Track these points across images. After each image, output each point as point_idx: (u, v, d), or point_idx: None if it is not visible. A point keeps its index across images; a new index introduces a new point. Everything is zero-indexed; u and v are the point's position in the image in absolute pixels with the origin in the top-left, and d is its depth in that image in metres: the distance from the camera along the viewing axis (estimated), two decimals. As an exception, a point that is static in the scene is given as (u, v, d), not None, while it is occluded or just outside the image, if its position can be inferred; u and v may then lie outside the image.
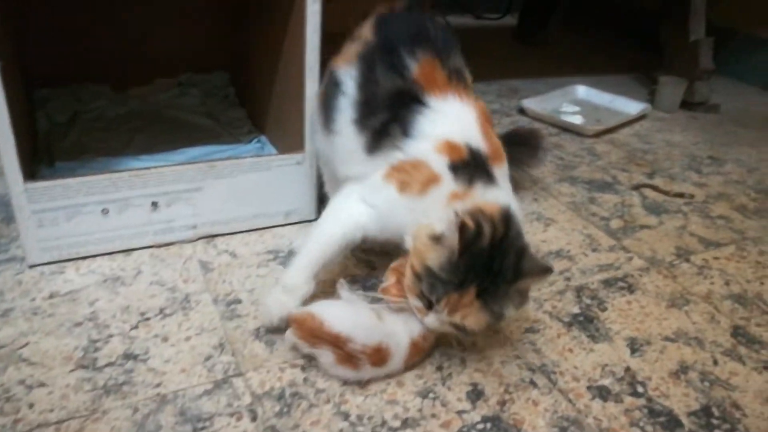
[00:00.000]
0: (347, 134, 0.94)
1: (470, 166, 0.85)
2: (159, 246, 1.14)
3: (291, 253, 1.13)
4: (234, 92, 1.65)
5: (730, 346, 1.03)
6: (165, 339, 0.93)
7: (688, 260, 1.27)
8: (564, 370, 0.95)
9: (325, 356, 0.84)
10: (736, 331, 1.06)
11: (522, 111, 1.97)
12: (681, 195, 1.53)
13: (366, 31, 0.97)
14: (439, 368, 0.93)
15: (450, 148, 0.86)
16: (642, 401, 0.90)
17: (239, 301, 1.02)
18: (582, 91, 2.14)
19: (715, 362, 0.99)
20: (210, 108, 1.58)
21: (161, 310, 0.99)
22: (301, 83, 1.11)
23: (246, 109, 1.57)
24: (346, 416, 0.82)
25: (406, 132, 0.88)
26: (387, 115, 0.89)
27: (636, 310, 1.10)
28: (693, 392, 0.92)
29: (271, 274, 1.09)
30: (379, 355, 0.84)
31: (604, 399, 0.90)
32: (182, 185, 1.11)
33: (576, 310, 1.08)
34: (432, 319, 0.83)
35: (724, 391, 0.93)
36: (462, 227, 0.75)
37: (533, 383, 0.91)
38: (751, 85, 2.44)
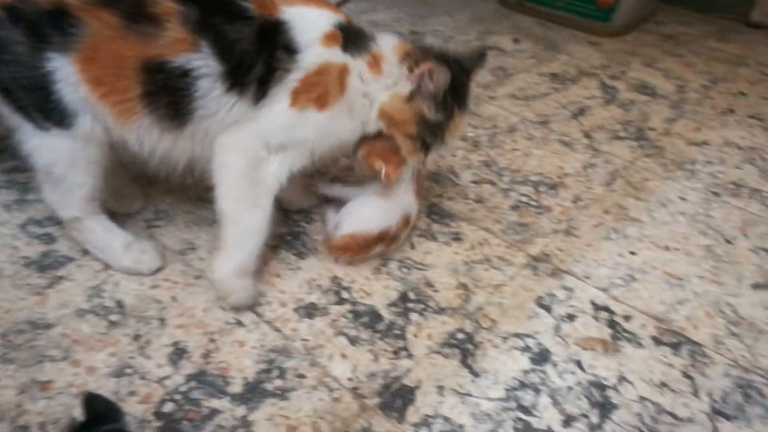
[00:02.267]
0: (218, 107, 0.84)
1: (354, 38, 0.90)
2: None
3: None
4: None
5: (425, 227, 1.10)
6: None
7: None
8: (272, 298, 0.93)
9: (378, 250, 0.97)
10: (432, 210, 1.14)
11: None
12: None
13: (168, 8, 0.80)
14: (136, 337, 0.85)
15: (330, 37, 0.87)
16: (347, 307, 0.93)
17: None
18: None
19: (412, 246, 1.05)
20: None
21: None
22: None
23: None
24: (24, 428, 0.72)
25: (291, 50, 0.85)
26: (263, 56, 0.84)
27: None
28: (393, 282, 0.98)
29: None
30: (407, 221, 0.99)
31: (311, 317, 0.91)
32: None
33: (283, 229, 1.07)
34: (433, 156, 0.96)
35: (419, 272, 1.00)
36: (432, 70, 0.86)
37: (239, 323, 0.89)
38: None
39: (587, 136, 1.39)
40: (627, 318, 0.94)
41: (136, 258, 0.95)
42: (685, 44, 1.85)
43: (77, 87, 0.81)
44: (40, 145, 0.85)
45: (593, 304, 0.96)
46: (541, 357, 0.87)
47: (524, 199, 1.18)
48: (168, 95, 0.83)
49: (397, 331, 0.89)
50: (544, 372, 0.85)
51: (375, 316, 0.91)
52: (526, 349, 0.88)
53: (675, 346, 0.90)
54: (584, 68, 1.68)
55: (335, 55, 0.87)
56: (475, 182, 1.22)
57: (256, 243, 0.90)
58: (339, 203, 1.03)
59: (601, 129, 1.42)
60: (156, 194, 1.11)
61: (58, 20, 0.77)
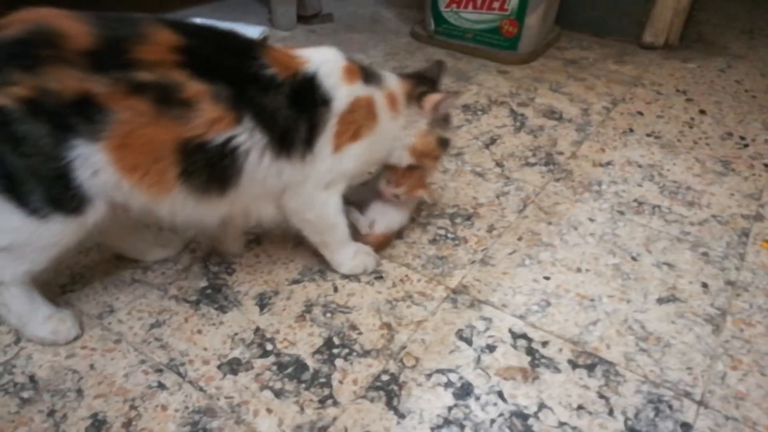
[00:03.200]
0: (266, 174, 0.90)
1: (367, 72, 0.98)
2: None
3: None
4: None
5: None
6: None
7: (310, 189, 1.32)
8: (194, 356, 0.92)
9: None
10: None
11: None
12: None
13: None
14: (51, 413, 0.82)
15: (349, 71, 0.94)
16: (271, 359, 0.92)
17: None
18: (198, 22, 2.02)
19: (336, 289, 1.06)
20: None
21: None
22: None
23: None
24: None
25: (325, 102, 0.91)
26: (303, 116, 0.89)
27: (264, 262, 1.12)
28: (317, 329, 0.98)
29: None
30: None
31: (235, 372, 0.90)
32: None
33: (204, 283, 1.06)
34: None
35: (343, 315, 1.01)
36: (441, 100, 1.02)
37: (161, 386, 0.87)
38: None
39: (499, 164, 1.45)
40: (544, 344, 0.98)
41: (53, 329, 0.92)
42: (587, 68, 1.97)
43: (100, 174, 0.80)
44: (20, 227, 0.80)
45: (511, 332, 1.00)
46: (464, 391, 0.89)
47: (442, 232, 1.22)
48: (210, 171, 0.85)
49: (323, 379, 0.90)
50: (467, 406, 0.87)
51: (300, 365, 0.92)
52: (449, 384, 0.90)
53: (590, 368, 0.94)
54: (494, 97, 1.75)
55: (360, 89, 0.95)
56: (395, 219, 1.25)
57: (347, 235, 1.06)
58: (358, 205, 1.14)
59: (512, 156, 1.48)
60: (71, 258, 1.08)
61: (83, 110, 0.76)
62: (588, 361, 0.95)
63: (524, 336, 0.99)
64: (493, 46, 1.96)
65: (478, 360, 0.94)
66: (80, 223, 0.83)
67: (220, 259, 1.11)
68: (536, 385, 0.91)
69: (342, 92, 0.92)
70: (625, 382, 0.92)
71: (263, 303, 1.02)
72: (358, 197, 1.14)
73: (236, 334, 0.96)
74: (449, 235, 1.21)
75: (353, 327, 0.99)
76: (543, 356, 0.96)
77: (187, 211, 0.88)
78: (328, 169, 0.94)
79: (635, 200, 1.34)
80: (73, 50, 0.74)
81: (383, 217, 1.13)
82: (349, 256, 1.08)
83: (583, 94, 1.80)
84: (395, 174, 1.09)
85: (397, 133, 1.03)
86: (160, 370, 0.89)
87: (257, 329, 0.97)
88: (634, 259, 1.18)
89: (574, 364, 0.95)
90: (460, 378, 0.91)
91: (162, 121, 0.79)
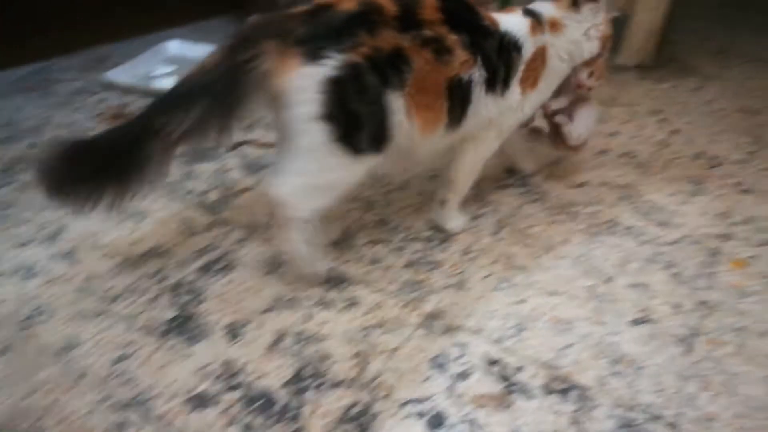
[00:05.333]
0: (482, 104, 1.11)
1: (537, 19, 1.18)
2: None
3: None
4: None
5: (321, 294, 1.10)
6: None
7: (284, 214, 1.31)
8: (161, 391, 0.90)
9: None
10: (328, 275, 1.14)
11: (110, 85, 1.78)
12: (277, 144, 1.57)
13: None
14: (10, 455, 0.80)
15: (533, 27, 1.16)
16: (239, 393, 0.91)
17: None
18: (174, 46, 2.02)
19: (309, 317, 1.05)
20: None
21: None
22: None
23: None
24: None
25: (518, 50, 1.13)
26: (504, 59, 1.11)
27: (235, 290, 1.10)
28: (287, 360, 0.96)
29: None
30: None
31: (203, 407, 0.88)
32: None
33: (172, 314, 1.04)
34: None
35: (315, 345, 0.99)
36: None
37: (126, 423, 0.85)
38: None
39: (475, 186, 1.45)
40: (518, 369, 0.97)
41: (321, 267, 1.12)
42: (562, 89, 1.99)
43: (399, 116, 0.99)
44: (344, 166, 0.99)
45: (485, 358, 0.99)
46: (437, 421, 0.88)
47: (417, 255, 1.21)
48: (458, 104, 1.06)
49: (293, 413, 0.88)
50: (440, 436, 0.86)
51: (269, 399, 0.90)
52: (422, 414, 0.89)
53: (563, 393, 0.94)
54: (471, 119, 1.76)
55: (539, 40, 1.16)
56: (370, 242, 1.24)
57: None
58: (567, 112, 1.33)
59: (489, 178, 1.48)
60: (34, 288, 1.06)
61: (396, 62, 0.96)
62: (562, 386, 0.95)
63: (498, 362, 0.98)
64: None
65: (452, 388, 0.93)
66: (377, 161, 1.02)
67: (189, 288, 1.09)
68: (510, 412, 0.90)
69: (527, 44, 1.14)
70: (598, 406, 0.91)
71: (234, 333, 1.01)
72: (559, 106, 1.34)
73: (205, 366, 0.94)
74: (424, 259, 1.20)
75: (325, 357, 0.97)
76: (517, 382, 0.95)
77: (438, 143, 1.11)
78: (514, 109, 1.17)
79: (610, 221, 1.35)
80: (389, 16, 0.96)
81: (585, 123, 1.35)
82: (458, 214, 1.28)
83: (558, 114, 1.81)
84: (590, 65, 1.27)
85: (578, 38, 1.22)
86: (125, 407, 0.87)
87: (226, 361, 0.95)
88: (608, 280, 1.17)
89: (548, 390, 0.94)
90: (434, 407, 0.90)
91: (438, 66, 1.00)
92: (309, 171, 0.98)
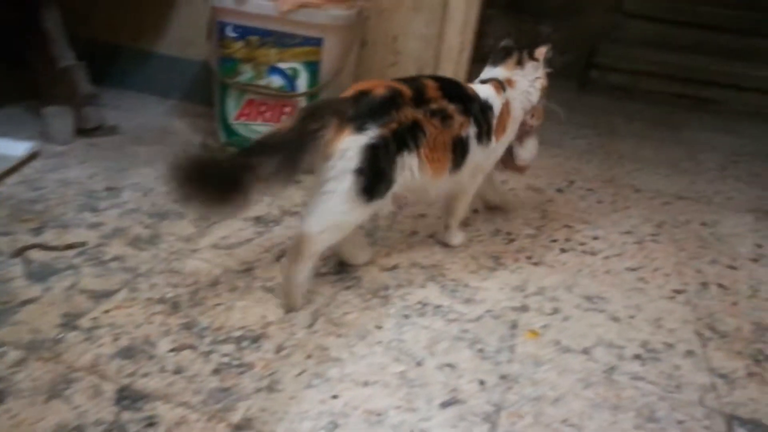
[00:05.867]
0: (475, 152, 1.45)
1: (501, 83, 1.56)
2: None
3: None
4: None
5: (113, 418, 0.99)
6: None
7: (75, 327, 1.18)
8: None
9: None
10: (122, 395, 1.03)
11: None
12: (72, 246, 1.43)
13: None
14: None
15: (497, 88, 1.52)
16: None
17: None
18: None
19: (97, 447, 0.93)
20: None
21: None
22: None
23: None
24: None
25: (491, 109, 1.49)
26: (484, 118, 1.46)
27: (7, 424, 0.95)
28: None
29: None
30: None
31: None
32: None
33: None
34: None
35: (103, 480, 0.88)
36: (547, 47, 1.63)
37: None
38: (151, 95, 2.53)
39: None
40: (330, 472, 0.94)
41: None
42: (375, 174, 2.09)
43: (412, 169, 1.31)
44: (358, 212, 1.28)
45: (296, 466, 0.95)
46: None
47: (226, 359, 1.15)
48: (460, 154, 1.41)
49: None
50: None
51: None
52: None
53: (376, 491, 0.92)
54: (287, 207, 1.77)
55: (503, 97, 1.52)
56: (173, 350, 1.16)
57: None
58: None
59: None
60: None
61: (413, 130, 1.28)
62: (374, 485, 0.93)
63: (309, 468, 0.94)
64: (285, 156, 2.02)
65: (259, 506, 0.87)
66: (381, 205, 1.32)
67: (-54, 430, 0.92)
68: None
69: (496, 103, 1.49)
70: (410, 502, 0.91)
71: (-1, 480, 0.86)
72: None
73: None
74: (234, 362, 1.15)
75: (114, 492, 0.86)
76: (328, 488, 0.91)
77: (443, 186, 1.45)
78: (490, 155, 1.54)
79: (419, 302, 1.40)
80: (407, 97, 1.28)
81: (530, 150, 1.72)
82: (459, 233, 1.68)
83: (372, 199, 1.89)
84: (532, 110, 1.62)
85: (527, 89, 1.57)
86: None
87: None
88: (418, 364, 1.21)
89: (360, 492, 0.91)
90: None
91: (444, 129, 1.34)
92: (335, 212, 1.25)
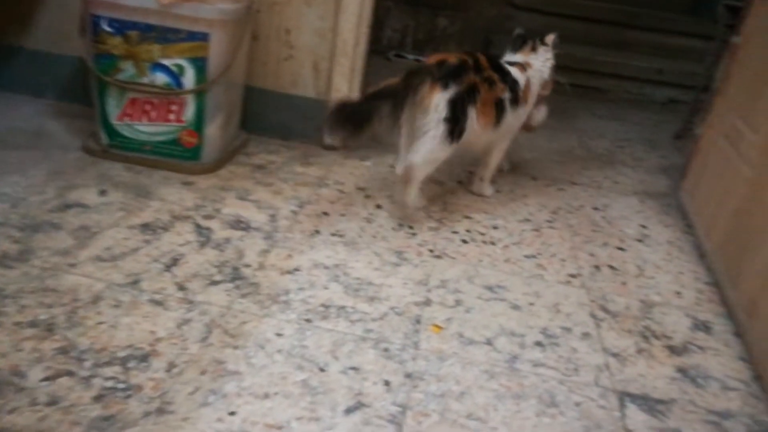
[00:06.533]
0: (509, 113, 1.86)
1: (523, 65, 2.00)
2: None
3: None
4: None
5: (-26, 464, 0.87)
6: None
7: (-73, 362, 1.04)
8: None
9: None
10: None
11: None
12: (-76, 268, 1.27)
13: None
14: None
15: (521, 68, 1.94)
16: None
17: None
18: None
19: (-48, 500, 0.82)
20: None
21: None
22: None
23: None
24: None
25: (518, 83, 1.89)
26: (515, 87, 1.88)
27: None
28: None
29: None
30: None
31: None
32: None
33: None
34: None
35: None
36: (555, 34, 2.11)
37: None
38: (21, 94, 2.30)
39: (181, 288, 1.34)
40: (228, 497, 0.88)
41: (417, 203, 1.88)
42: (274, 172, 2.01)
43: (472, 120, 1.71)
44: (446, 151, 1.70)
45: (189, 495, 0.88)
46: None
47: (110, 383, 1.05)
48: (499, 113, 1.79)
49: None
50: None
51: None
52: None
53: None
54: (178, 212, 1.66)
55: (524, 77, 1.90)
56: (47, 379, 1.04)
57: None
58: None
59: (196, 277, 1.39)
60: None
61: (473, 90, 1.69)
62: (276, 505, 0.88)
63: (204, 495, 0.88)
64: (174, 157, 1.89)
65: None
66: (457, 147, 1.72)
67: None
68: None
69: (520, 78, 1.87)
70: None
71: None
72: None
73: None
74: (120, 386, 1.05)
75: None
76: None
77: (487, 138, 1.85)
78: (519, 115, 1.92)
79: (322, 305, 1.36)
80: (470, 65, 1.69)
81: (541, 114, 2.12)
82: (490, 186, 2.07)
83: (271, 199, 1.82)
84: (544, 84, 2.01)
85: (540, 68, 1.97)
86: None
87: None
88: (321, 370, 1.16)
89: None
90: None
91: (490, 92, 1.74)
92: (432, 150, 1.68)
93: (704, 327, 1.49)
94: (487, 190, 2.06)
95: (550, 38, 2.02)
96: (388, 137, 1.81)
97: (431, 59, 1.70)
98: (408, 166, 1.71)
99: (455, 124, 1.66)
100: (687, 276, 1.72)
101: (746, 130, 1.73)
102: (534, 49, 1.99)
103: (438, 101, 1.62)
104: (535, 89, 1.97)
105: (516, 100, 1.85)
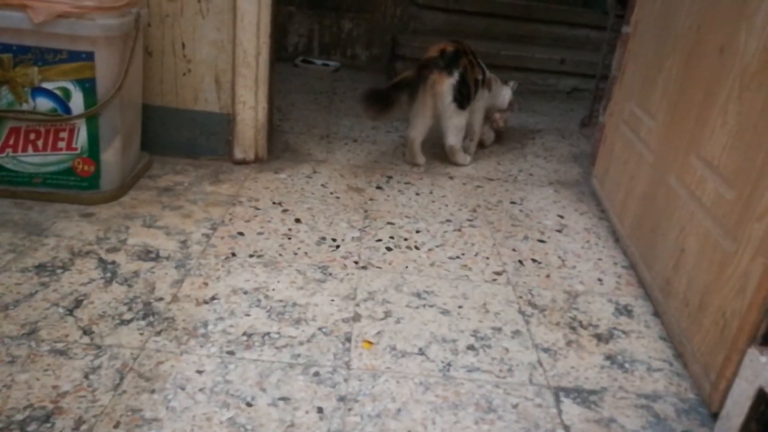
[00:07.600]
0: (479, 96, 2.36)
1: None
2: None
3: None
4: None
5: None
6: None
7: None
8: None
9: None
10: None
11: None
12: None
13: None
14: None
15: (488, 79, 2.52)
16: None
17: None
18: None
19: None
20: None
21: None
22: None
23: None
24: None
25: (485, 73, 2.43)
26: (482, 77, 2.40)
27: None
28: None
29: None
30: None
31: None
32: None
33: None
34: None
35: None
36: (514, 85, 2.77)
37: None
38: None
39: (87, 332, 1.23)
40: None
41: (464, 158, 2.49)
42: (182, 194, 1.90)
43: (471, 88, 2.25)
44: (461, 119, 2.25)
45: None
46: None
47: (7, 454, 0.94)
48: (475, 90, 2.31)
49: None
50: None
51: None
52: None
53: None
54: (78, 248, 1.52)
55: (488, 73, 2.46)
56: (-69, 459, 0.91)
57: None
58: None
59: (103, 318, 1.28)
60: None
61: (465, 70, 2.24)
62: None
63: None
64: (69, 188, 1.74)
65: None
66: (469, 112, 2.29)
67: None
68: None
69: (487, 72, 2.40)
70: None
71: None
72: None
73: None
74: (19, 455, 0.94)
75: None
76: None
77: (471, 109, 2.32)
78: (486, 95, 2.42)
79: (244, 333, 1.28)
80: (467, 51, 2.25)
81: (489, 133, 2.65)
82: (466, 156, 2.42)
83: (181, 224, 1.71)
84: (501, 113, 2.57)
85: (500, 92, 2.52)
86: None
87: None
88: (249, 404, 1.09)
89: None
90: None
91: (472, 72, 2.26)
92: (454, 125, 2.25)
93: (626, 311, 1.53)
94: (465, 159, 2.41)
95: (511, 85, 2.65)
96: (406, 113, 2.27)
97: (433, 49, 2.21)
98: (448, 147, 2.32)
99: (462, 96, 2.19)
100: (606, 262, 1.77)
101: (644, 117, 1.80)
102: (495, 81, 2.55)
103: (446, 87, 2.16)
104: (495, 87, 2.51)
105: (486, 82, 2.39)
